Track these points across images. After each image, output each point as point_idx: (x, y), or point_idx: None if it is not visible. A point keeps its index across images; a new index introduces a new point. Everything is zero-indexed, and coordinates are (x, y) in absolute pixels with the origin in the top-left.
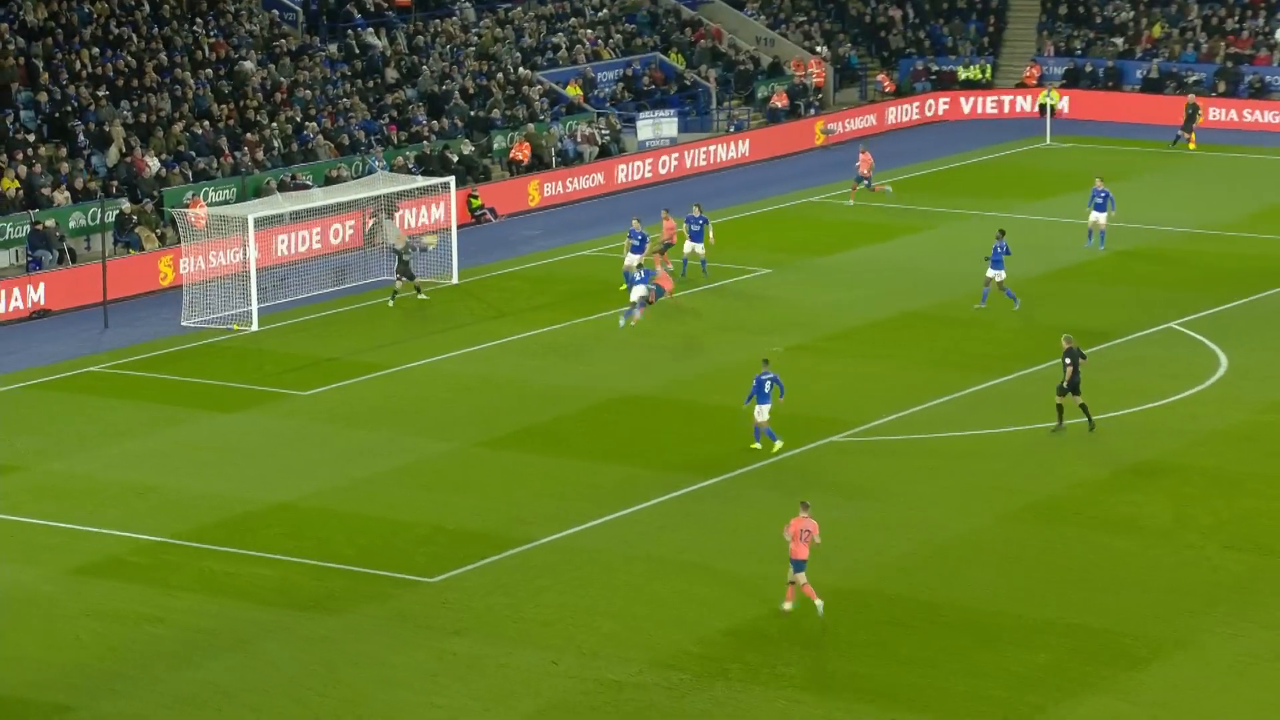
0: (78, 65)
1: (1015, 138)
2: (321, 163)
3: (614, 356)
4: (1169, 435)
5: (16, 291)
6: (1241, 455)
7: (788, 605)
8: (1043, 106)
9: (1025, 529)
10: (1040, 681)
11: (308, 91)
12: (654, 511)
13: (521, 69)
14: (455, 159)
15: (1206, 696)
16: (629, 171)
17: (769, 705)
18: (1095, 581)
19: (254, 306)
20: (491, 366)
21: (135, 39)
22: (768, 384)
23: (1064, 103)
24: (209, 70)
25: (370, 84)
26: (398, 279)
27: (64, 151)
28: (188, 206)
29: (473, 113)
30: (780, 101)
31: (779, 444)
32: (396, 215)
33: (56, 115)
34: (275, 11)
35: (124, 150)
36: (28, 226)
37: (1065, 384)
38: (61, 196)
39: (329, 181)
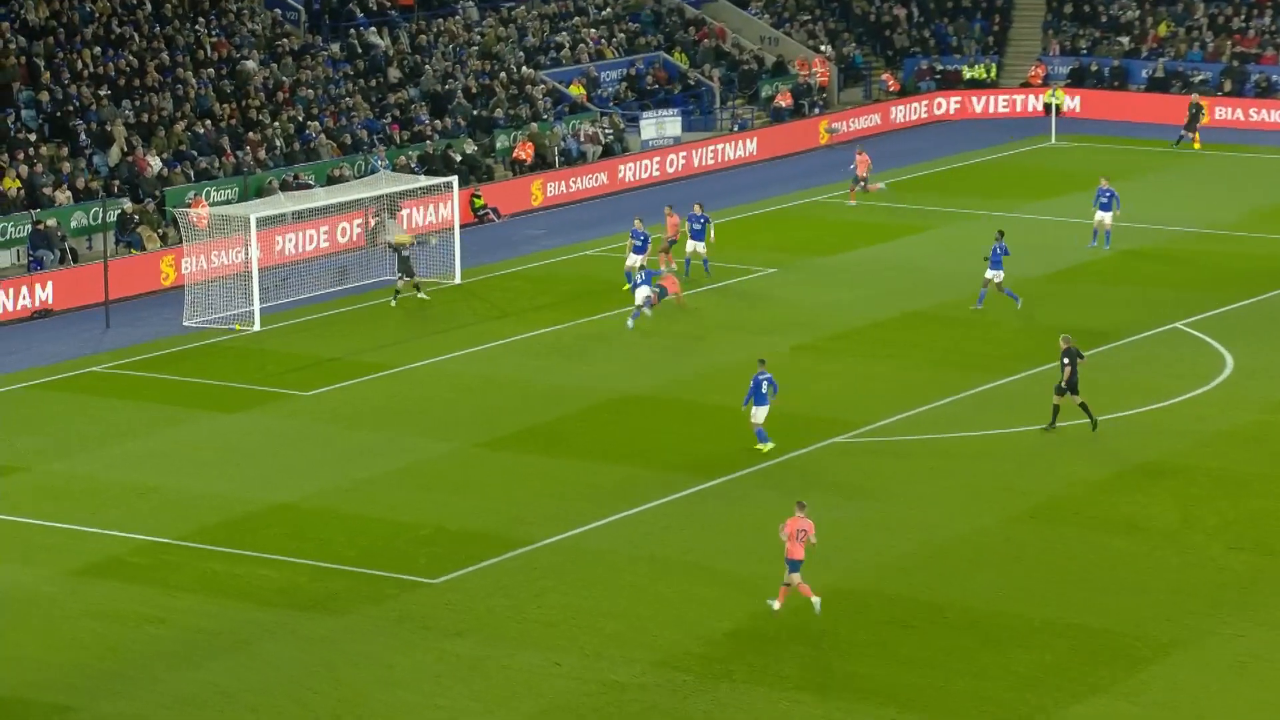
0: (79, 64)
1: (1020, 137)
2: (324, 162)
3: (617, 356)
4: (1174, 436)
5: (16, 291)
6: (1247, 456)
7: (777, 605)
8: (1048, 106)
9: (1029, 529)
10: (1043, 682)
11: (310, 91)
12: (657, 512)
13: (525, 68)
14: (458, 158)
15: (1209, 697)
16: (632, 171)
17: (772, 706)
18: (1098, 582)
19: (256, 306)
20: (494, 366)
21: (137, 38)
22: (764, 384)
23: (1076, 102)
24: (211, 69)
25: (373, 83)
26: (399, 278)
27: (65, 151)
28: (190, 206)
29: (475, 112)
30: (784, 101)
31: (769, 446)
32: (399, 215)
33: (58, 114)
34: (277, 10)
35: (126, 150)
36: (29, 226)
37: (1063, 384)
38: (63, 196)
39: (331, 181)
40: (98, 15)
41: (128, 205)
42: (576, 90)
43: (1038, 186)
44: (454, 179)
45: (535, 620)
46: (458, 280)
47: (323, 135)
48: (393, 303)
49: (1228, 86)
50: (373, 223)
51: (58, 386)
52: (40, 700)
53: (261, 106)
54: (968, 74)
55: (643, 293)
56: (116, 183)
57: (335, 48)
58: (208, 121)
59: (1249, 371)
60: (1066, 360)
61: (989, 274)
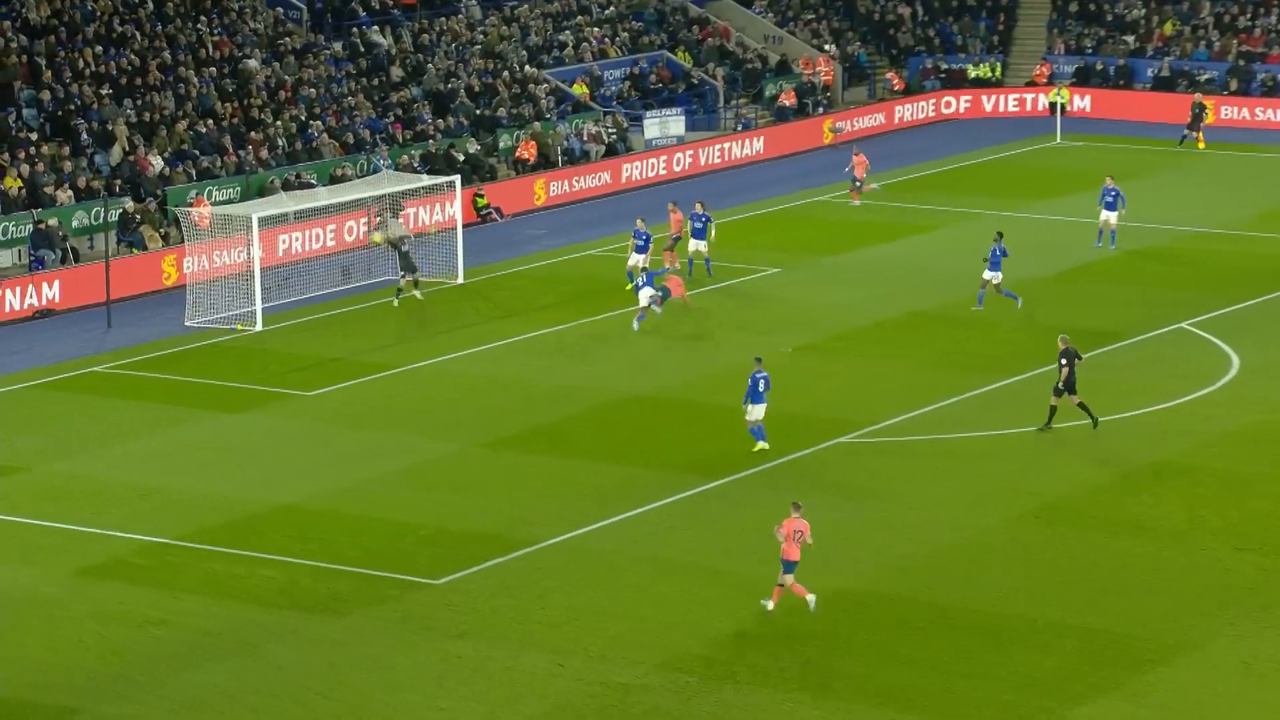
0: (81, 63)
1: (1025, 136)
2: (326, 161)
3: (620, 357)
4: (1180, 436)
5: (17, 291)
6: (1253, 456)
7: (770, 605)
8: (1053, 105)
9: (1033, 530)
10: (1047, 683)
11: (312, 90)
12: (660, 513)
13: (527, 67)
14: (461, 158)
15: (1216, 699)
16: (635, 171)
17: (776, 708)
18: (1103, 583)
19: (258, 306)
20: (497, 366)
21: (139, 37)
22: (761, 382)
23: (1085, 101)
24: (213, 68)
25: (375, 82)
26: (402, 276)
27: (67, 150)
28: (191, 205)
29: (478, 111)
30: (788, 100)
31: (764, 446)
32: (402, 214)
33: (59, 114)
34: (280, 9)
35: (127, 149)
36: (30, 226)
37: (1061, 384)
38: (64, 195)
39: (333, 180)
40: (99, 14)
41: (129, 205)
42: (580, 89)
43: (1042, 186)
44: (457, 178)
45: (538, 621)
46: (460, 280)
47: (325, 134)
48: (395, 302)
49: (1234, 85)
50: (375, 222)
51: (59, 386)
52: (43, 702)
53: (264, 106)
54: (972, 73)
55: (646, 294)
56: (118, 182)
57: (338, 46)
58: (210, 121)
59: (1255, 372)
60: (1064, 361)
61: (987, 275)
